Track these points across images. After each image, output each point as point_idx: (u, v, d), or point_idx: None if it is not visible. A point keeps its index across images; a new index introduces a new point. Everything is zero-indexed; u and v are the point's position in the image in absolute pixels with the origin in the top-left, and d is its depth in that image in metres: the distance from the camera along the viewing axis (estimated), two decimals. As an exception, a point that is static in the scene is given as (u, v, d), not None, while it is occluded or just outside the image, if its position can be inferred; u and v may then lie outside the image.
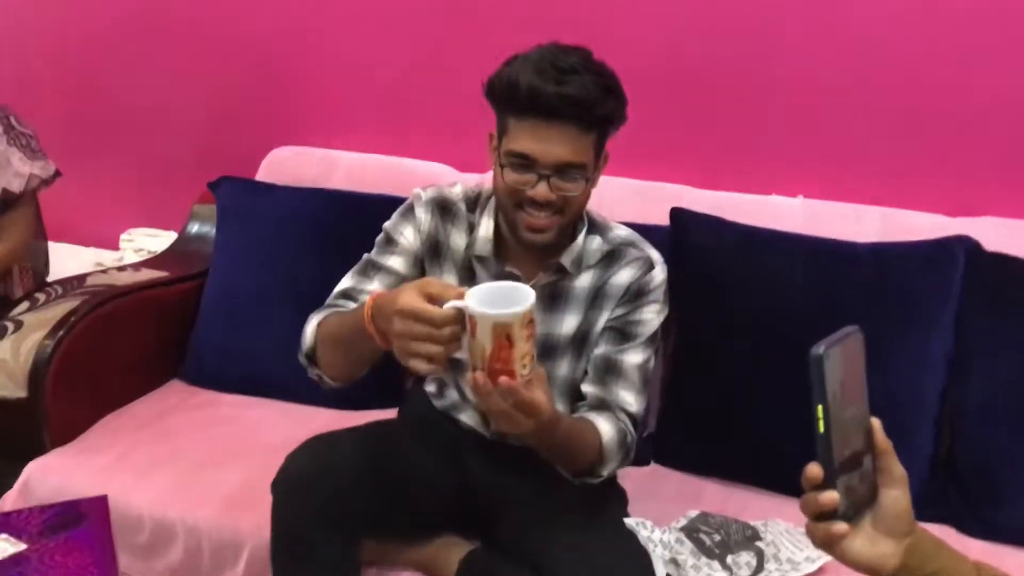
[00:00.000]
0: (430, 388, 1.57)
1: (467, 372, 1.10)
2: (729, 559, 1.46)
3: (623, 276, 1.42)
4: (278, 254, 2.05)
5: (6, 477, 1.74)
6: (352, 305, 1.37)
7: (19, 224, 2.05)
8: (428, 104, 2.22)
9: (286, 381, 1.89)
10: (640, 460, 1.79)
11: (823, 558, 1.46)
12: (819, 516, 0.75)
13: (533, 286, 1.39)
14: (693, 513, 1.58)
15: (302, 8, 2.28)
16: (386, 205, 1.54)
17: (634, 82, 1.32)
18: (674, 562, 1.45)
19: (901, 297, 1.67)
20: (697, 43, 1.97)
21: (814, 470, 0.74)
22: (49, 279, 2.17)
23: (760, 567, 1.45)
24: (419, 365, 1.09)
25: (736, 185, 1.95)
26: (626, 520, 1.47)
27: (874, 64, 1.87)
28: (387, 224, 1.47)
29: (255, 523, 1.51)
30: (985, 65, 1.80)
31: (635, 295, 1.41)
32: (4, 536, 1.43)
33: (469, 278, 1.43)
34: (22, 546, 1.40)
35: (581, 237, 1.41)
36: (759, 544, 1.50)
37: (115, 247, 2.57)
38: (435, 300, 1.08)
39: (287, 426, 1.82)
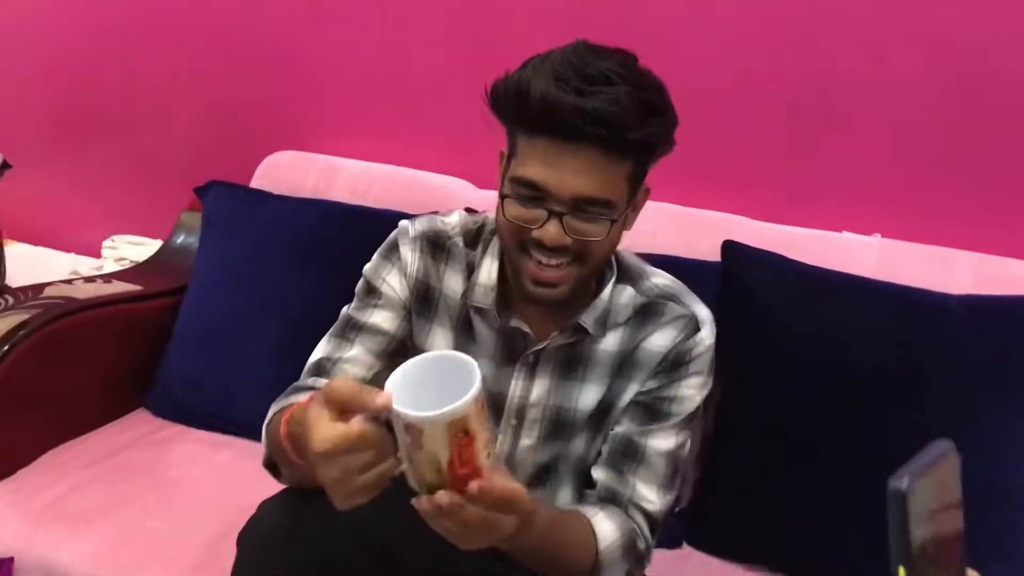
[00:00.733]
0: None
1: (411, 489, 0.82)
2: None
3: (659, 339, 1.12)
4: (265, 271, 1.80)
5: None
6: (322, 384, 1.09)
7: None
8: (446, 109, 1.95)
9: (262, 420, 1.62)
10: (670, 540, 1.50)
11: None
12: None
13: (545, 349, 1.11)
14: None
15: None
16: (392, 222, 1.24)
17: (681, 92, 1.03)
18: None
19: (1004, 363, 1.37)
20: (759, 53, 1.70)
21: None
22: (6, 285, 1.93)
23: None
24: (363, 500, 0.81)
25: (799, 218, 1.66)
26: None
27: (975, 86, 1.58)
28: (367, 268, 1.18)
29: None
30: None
31: (673, 365, 1.12)
32: None
33: (466, 332, 1.15)
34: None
35: (608, 289, 1.12)
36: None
37: (97, 254, 2.34)
38: (349, 406, 0.79)
39: (260, 473, 1.55)
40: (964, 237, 1.58)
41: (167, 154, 2.28)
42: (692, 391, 1.12)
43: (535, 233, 1.00)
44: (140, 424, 1.78)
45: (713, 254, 1.58)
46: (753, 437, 1.49)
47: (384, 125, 2.04)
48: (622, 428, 1.13)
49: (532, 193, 0.99)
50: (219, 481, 1.58)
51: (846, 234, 1.64)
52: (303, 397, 1.04)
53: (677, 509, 1.53)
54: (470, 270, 1.14)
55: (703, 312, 1.14)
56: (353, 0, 2.00)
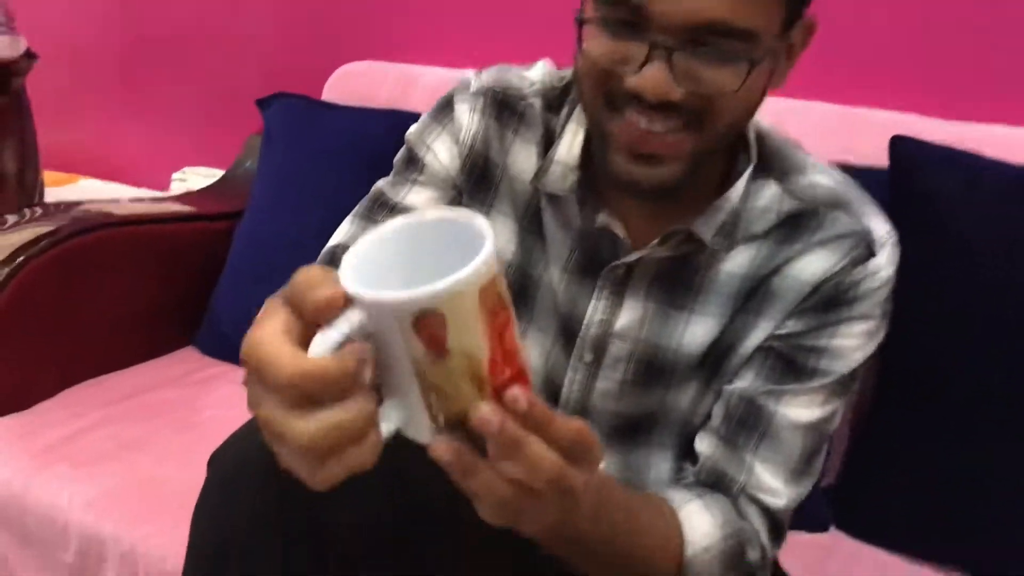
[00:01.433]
0: None
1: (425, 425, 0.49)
2: None
3: (813, 264, 0.78)
4: (326, 191, 1.54)
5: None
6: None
7: None
8: (533, 6, 1.65)
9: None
10: (813, 522, 1.15)
11: None
12: None
13: (642, 261, 0.78)
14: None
15: None
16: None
17: None
18: None
19: None
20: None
21: None
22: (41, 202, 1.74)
23: None
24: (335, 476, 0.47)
25: (989, 114, 1.27)
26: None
27: None
28: (411, 131, 0.87)
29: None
30: None
31: (828, 302, 0.77)
32: None
33: (533, 229, 0.83)
34: None
35: (742, 183, 0.78)
36: None
37: (166, 188, 2.16)
38: (322, 314, 0.46)
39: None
40: None
41: (237, 78, 2.07)
42: (853, 342, 0.77)
43: (630, 80, 0.67)
44: (185, 362, 1.56)
45: (877, 159, 1.22)
46: (925, 390, 1.12)
47: (466, 29, 1.75)
48: (743, 385, 0.79)
49: (626, 16, 0.66)
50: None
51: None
52: None
53: (823, 484, 1.18)
54: (548, 143, 0.82)
55: (882, 229, 0.78)
56: None
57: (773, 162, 0.80)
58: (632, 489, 0.76)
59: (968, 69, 1.34)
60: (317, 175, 1.57)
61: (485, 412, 0.46)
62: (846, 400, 0.80)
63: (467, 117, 0.84)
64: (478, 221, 0.48)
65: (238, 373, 1.40)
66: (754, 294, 0.79)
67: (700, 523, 0.75)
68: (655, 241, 0.77)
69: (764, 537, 0.78)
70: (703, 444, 0.80)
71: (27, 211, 1.47)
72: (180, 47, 2.14)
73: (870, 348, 0.79)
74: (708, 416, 0.81)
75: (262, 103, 1.72)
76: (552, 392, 0.85)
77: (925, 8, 1.35)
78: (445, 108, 0.86)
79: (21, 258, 1.34)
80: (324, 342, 0.46)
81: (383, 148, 1.47)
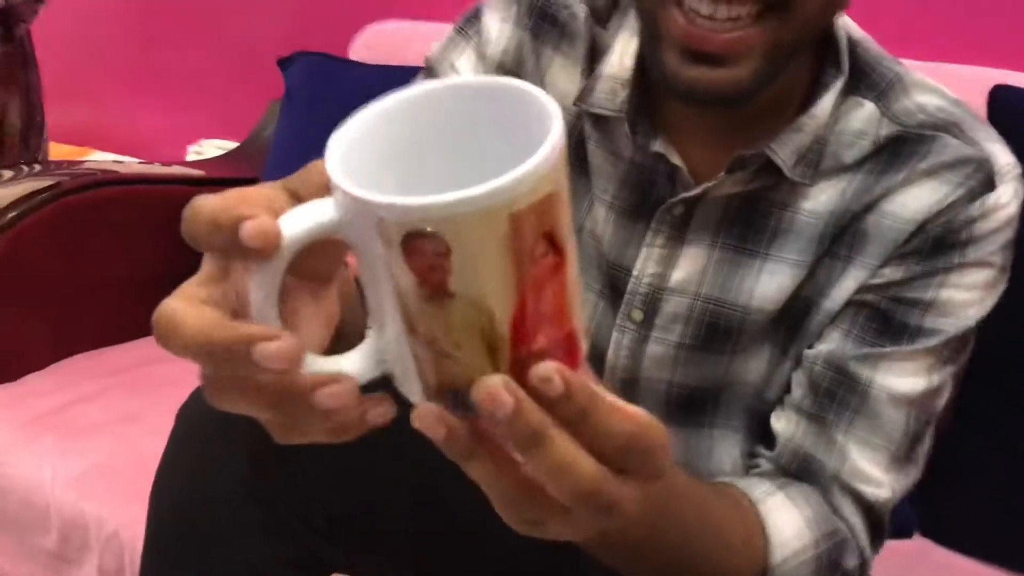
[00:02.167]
0: None
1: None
2: None
3: (917, 198, 0.63)
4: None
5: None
6: None
7: None
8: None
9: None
10: (895, 527, 1.00)
11: None
12: None
13: (705, 198, 0.65)
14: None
15: None
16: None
17: None
18: None
19: None
20: None
21: None
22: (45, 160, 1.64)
23: None
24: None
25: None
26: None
27: None
28: (431, 51, 0.74)
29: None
30: None
31: (937, 244, 0.63)
32: None
33: (575, 161, 0.69)
34: None
35: (829, 98, 0.64)
36: None
37: (182, 161, 2.05)
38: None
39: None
40: None
41: (257, 41, 1.97)
42: (966, 295, 0.63)
43: None
44: (190, 337, 1.44)
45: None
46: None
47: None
48: (830, 348, 0.64)
49: None
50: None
51: None
52: None
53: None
54: (593, 60, 0.68)
55: (1004, 157, 0.63)
56: None
57: (869, 77, 0.65)
58: (698, 476, 0.62)
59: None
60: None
61: (494, 386, 0.32)
62: (956, 372, 0.66)
63: (498, 29, 0.70)
64: (544, 99, 0.33)
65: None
66: (843, 236, 0.64)
67: (787, 521, 0.61)
68: (724, 171, 0.63)
69: (863, 538, 0.64)
70: (781, 423, 0.66)
71: (24, 167, 1.36)
72: (199, 7, 2.04)
73: (987, 305, 0.64)
74: (786, 388, 0.67)
75: (283, 62, 1.61)
76: (596, 360, 0.71)
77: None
78: (472, 19, 0.72)
79: (13, 213, 1.23)
80: (297, 223, 0.33)
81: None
